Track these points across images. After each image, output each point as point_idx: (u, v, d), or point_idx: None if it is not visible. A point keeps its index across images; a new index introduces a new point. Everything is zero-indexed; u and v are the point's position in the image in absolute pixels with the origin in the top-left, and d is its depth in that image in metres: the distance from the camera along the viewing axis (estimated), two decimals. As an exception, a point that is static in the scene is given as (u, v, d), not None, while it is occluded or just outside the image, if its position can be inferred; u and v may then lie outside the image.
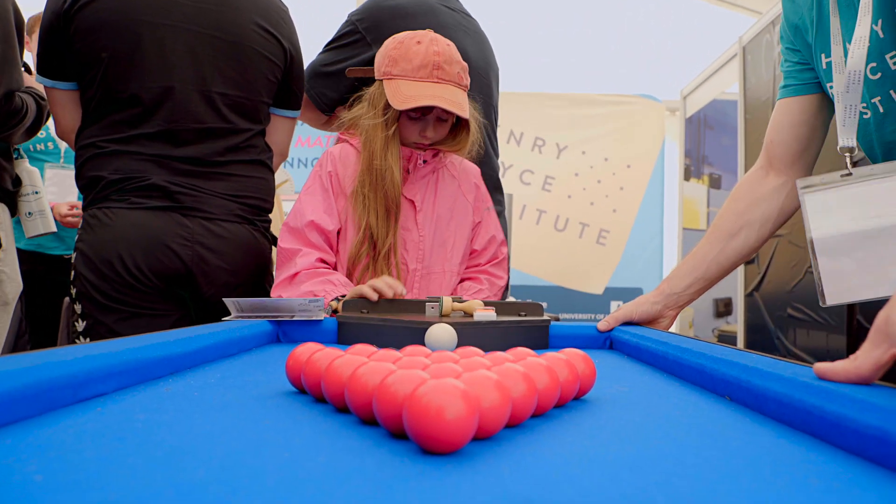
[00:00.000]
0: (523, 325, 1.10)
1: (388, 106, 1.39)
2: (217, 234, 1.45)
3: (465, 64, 1.44)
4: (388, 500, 0.34)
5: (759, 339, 3.19)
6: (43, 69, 1.46)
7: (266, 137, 1.62)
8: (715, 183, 4.44)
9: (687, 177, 4.58)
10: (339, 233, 1.45)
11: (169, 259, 1.40)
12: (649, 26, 4.98)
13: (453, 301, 1.17)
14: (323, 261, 1.42)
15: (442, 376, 0.46)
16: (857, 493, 0.38)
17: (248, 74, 1.50)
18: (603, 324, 1.18)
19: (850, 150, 0.97)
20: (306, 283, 1.36)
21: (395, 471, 0.39)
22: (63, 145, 2.41)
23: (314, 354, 0.62)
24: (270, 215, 1.64)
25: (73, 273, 1.43)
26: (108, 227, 1.39)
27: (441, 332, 0.95)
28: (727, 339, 3.64)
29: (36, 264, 2.60)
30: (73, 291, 1.43)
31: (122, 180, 1.41)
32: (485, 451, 0.45)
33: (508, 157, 4.78)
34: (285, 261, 1.41)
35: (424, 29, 1.47)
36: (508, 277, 1.64)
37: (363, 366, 0.53)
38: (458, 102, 1.38)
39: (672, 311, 1.21)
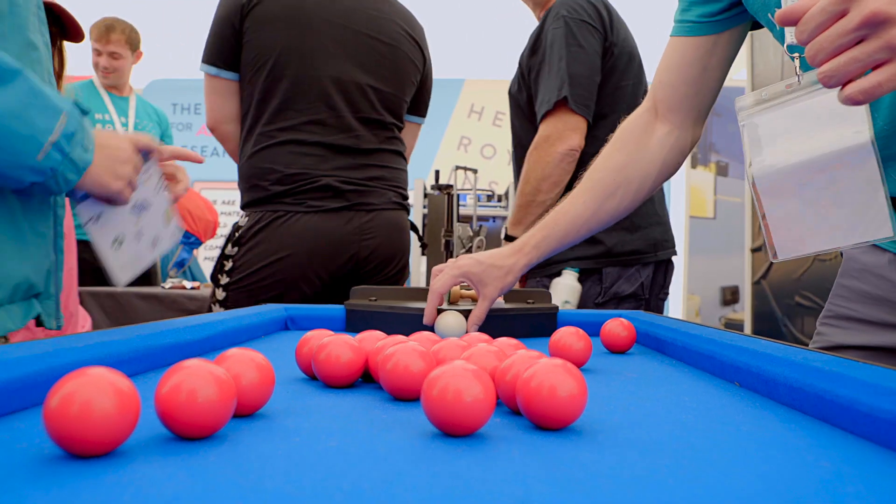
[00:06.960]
0: (531, 312, 1.10)
1: None
2: (379, 225, 1.54)
3: None
4: (401, 484, 0.34)
5: (766, 327, 3.19)
6: (210, 57, 1.51)
7: None
8: (722, 170, 4.42)
9: (694, 164, 4.55)
10: None
11: (342, 258, 1.49)
12: (654, 9, 4.94)
13: (461, 289, 1.17)
14: None
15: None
16: (870, 476, 0.38)
17: (400, 75, 1.62)
18: (471, 325, 0.99)
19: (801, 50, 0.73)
20: None
21: (405, 456, 0.40)
22: None
23: (325, 340, 0.62)
24: None
25: (230, 263, 1.47)
26: (287, 229, 1.45)
27: (451, 321, 0.95)
28: (734, 327, 3.63)
29: (81, 252, 2.64)
30: (225, 281, 1.47)
31: (295, 178, 1.47)
32: (498, 430, 0.45)
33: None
34: None
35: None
36: None
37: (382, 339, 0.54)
38: None
39: (522, 274, 1.07)
